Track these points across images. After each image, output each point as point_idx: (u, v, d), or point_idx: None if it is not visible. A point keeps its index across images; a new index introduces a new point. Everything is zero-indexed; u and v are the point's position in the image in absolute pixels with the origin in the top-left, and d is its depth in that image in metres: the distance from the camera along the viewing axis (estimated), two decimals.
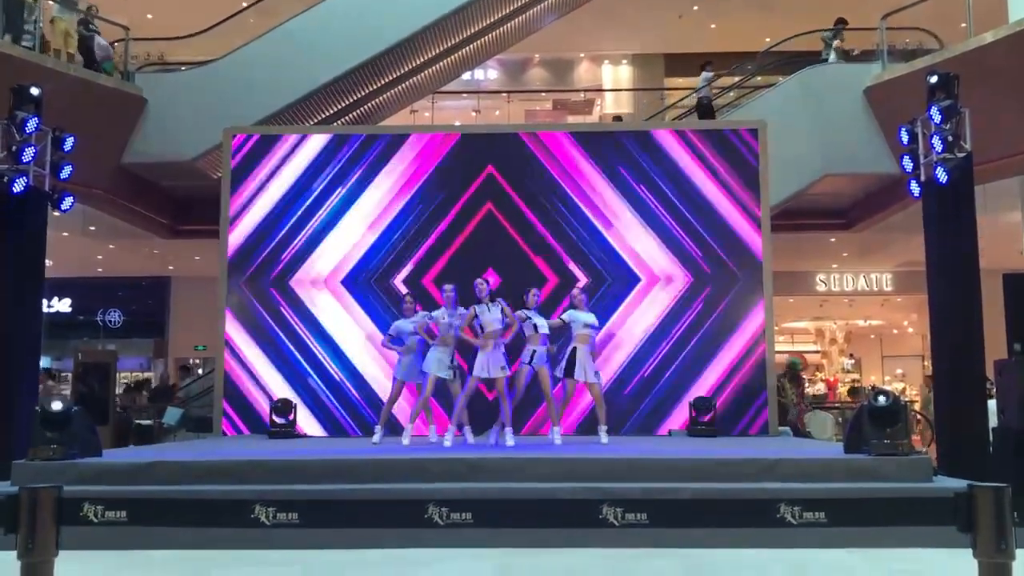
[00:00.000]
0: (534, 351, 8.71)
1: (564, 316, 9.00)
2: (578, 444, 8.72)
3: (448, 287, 8.99)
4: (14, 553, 3.92)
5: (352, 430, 10.87)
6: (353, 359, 11.02)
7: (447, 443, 8.53)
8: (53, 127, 9.00)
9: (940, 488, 6.49)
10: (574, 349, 8.80)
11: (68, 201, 9.22)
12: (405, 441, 8.82)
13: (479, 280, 8.78)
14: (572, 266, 11.04)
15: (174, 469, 6.89)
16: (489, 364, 8.44)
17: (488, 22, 14.23)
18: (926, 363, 17.77)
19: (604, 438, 8.87)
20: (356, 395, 10.94)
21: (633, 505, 3.95)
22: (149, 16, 16.46)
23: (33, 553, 3.74)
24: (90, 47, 12.89)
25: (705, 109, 14.40)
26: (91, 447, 7.42)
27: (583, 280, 10.93)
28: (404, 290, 10.68)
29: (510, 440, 8.49)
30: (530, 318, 8.72)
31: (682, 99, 16.29)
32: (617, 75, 21.02)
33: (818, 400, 17.23)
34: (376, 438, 9.15)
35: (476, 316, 8.59)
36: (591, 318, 8.98)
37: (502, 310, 8.54)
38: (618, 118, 16.21)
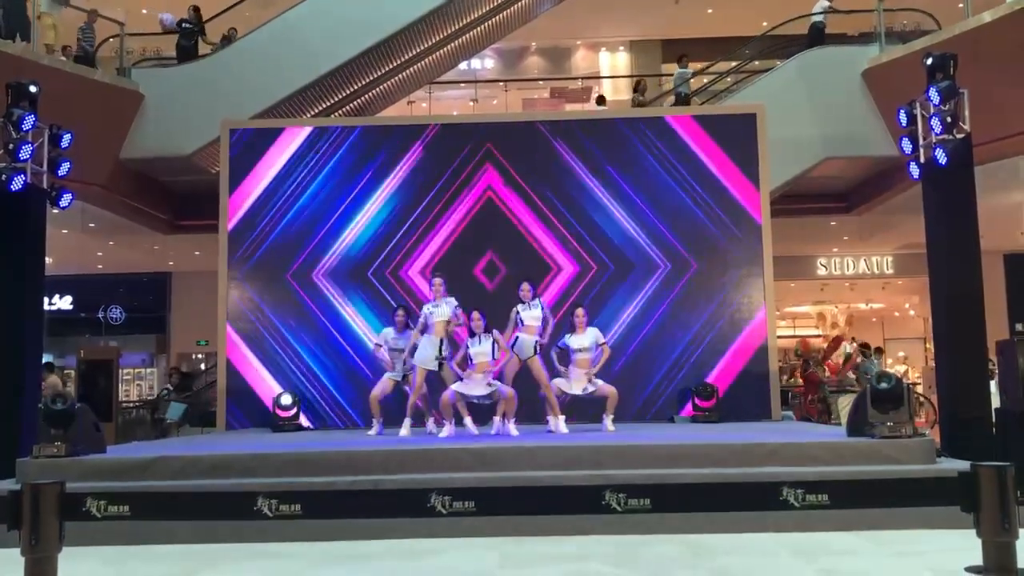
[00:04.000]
0: (516, 337, 8.86)
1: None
2: (580, 432, 8.73)
3: (437, 280, 9.08)
4: (18, 550, 3.93)
5: (355, 421, 10.87)
6: (355, 351, 11.01)
7: (442, 434, 8.55)
8: (50, 124, 8.98)
9: (943, 468, 6.50)
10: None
11: (67, 198, 9.22)
12: (403, 432, 8.84)
13: (475, 314, 8.79)
14: (573, 254, 11.03)
15: (178, 464, 6.89)
16: (471, 386, 8.55)
17: (484, 11, 14.18)
18: (928, 345, 17.76)
19: (610, 425, 8.95)
20: (358, 387, 10.93)
21: (635, 491, 3.95)
22: (144, 11, 16.42)
23: (37, 549, 3.75)
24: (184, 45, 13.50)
25: (818, 34, 14.12)
26: (95, 444, 7.43)
27: (572, 268, 10.94)
28: (412, 280, 10.71)
29: (514, 430, 8.51)
30: (518, 312, 8.89)
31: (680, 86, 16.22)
32: (614, 62, 20.95)
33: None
34: (373, 431, 9.22)
35: (467, 347, 8.74)
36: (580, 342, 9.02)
37: (494, 342, 8.63)
38: (600, 99, 16.07)
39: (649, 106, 15.09)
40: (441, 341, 8.81)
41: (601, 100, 15.33)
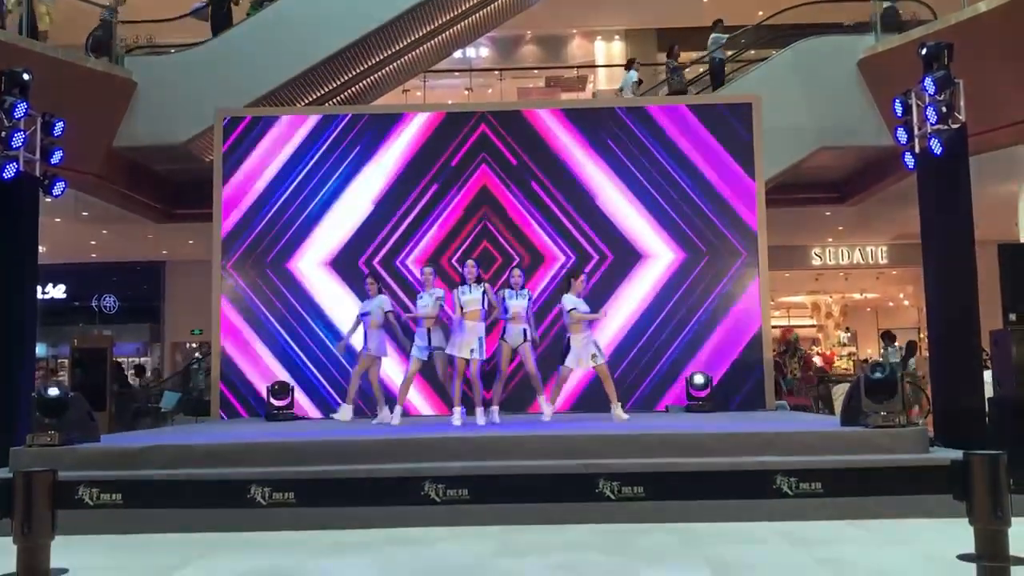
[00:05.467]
0: (507, 326, 8.93)
1: (564, 303, 9.02)
2: (575, 421, 8.74)
3: (427, 269, 9.26)
4: (10, 538, 3.93)
5: (358, 409, 10.85)
6: (349, 340, 10.98)
7: (456, 422, 8.53)
8: (42, 112, 8.93)
9: (936, 457, 6.52)
10: (569, 337, 8.92)
11: (60, 186, 9.16)
12: (395, 421, 8.85)
13: (469, 262, 8.95)
14: (569, 243, 11.03)
15: (172, 453, 6.89)
16: (461, 343, 8.52)
17: None
18: (922, 335, 17.83)
19: (622, 414, 8.88)
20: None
21: (629, 479, 3.95)
22: None
23: (29, 537, 3.74)
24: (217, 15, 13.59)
25: (892, 19, 13.63)
26: (89, 432, 7.42)
27: (570, 258, 10.94)
28: (410, 269, 10.69)
29: (495, 417, 8.58)
30: (504, 298, 8.97)
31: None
32: (610, 51, 20.90)
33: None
34: (345, 414, 9.48)
35: (459, 296, 8.77)
36: (581, 303, 9.01)
37: (484, 292, 8.64)
38: (630, 63, 15.85)
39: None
40: (428, 331, 8.94)
41: (630, 64, 15.16)
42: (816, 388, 14.84)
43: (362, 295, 10.72)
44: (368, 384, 9.76)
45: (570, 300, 8.92)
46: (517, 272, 9.15)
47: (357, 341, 9.84)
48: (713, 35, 14.77)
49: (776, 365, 13.32)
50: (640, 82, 14.94)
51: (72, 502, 3.84)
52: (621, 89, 15.09)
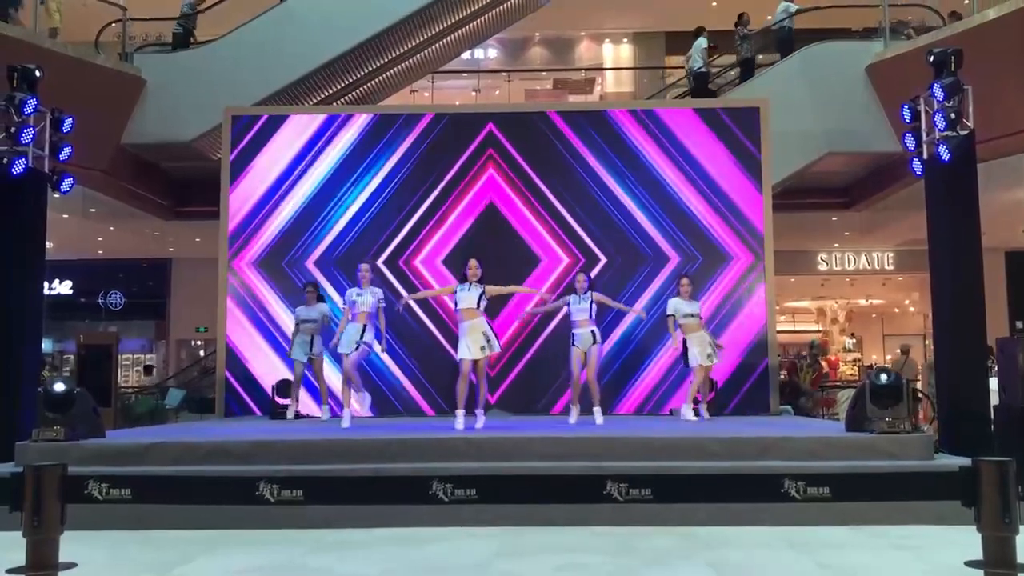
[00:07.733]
0: (574, 333, 8.95)
1: (669, 309, 9.30)
2: (581, 423, 8.73)
3: (363, 266, 9.28)
4: (19, 532, 3.94)
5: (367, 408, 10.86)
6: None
7: (458, 426, 8.20)
8: (52, 108, 8.95)
9: (944, 463, 6.51)
10: (684, 339, 9.22)
11: (68, 183, 9.18)
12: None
13: (472, 261, 8.65)
14: (577, 245, 11.02)
15: (177, 450, 6.90)
16: (469, 346, 8.35)
17: (487, 0, 14.15)
18: (927, 342, 17.80)
19: (690, 415, 9.17)
20: (364, 374, 10.90)
21: (637, 481, 3.95)
22: None
23: (39, 530, 3.75)
24: None
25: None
26: (94, 428, 7.44)
27: (574, 259, 10.94)
28: (411, 270, 10.71)
29: (479, 421, 8.37)
30: (569, 303, 9.05)
31: (682, 79, 16.19)
32: (618, 54, 20.90)
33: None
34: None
35: (455, 293, 8.57)
36: (694, 307, 9.34)
37: (482, 294, 8.42)
38: (700, 31, 15.54)
39: (652, 98, 15.04)
40: (364, 327, 8.94)
41: (699, 32, 14.97)
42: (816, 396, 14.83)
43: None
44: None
45: (672, 305, 9.26)
46: (581, 276, 9.15)
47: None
48: (782, 4, 14.67)
49: (792, 366, 13.32)
50: (708, 48, 14.76)
51: (81, 497, 3.85)
52: (689, 57, 14.94)
